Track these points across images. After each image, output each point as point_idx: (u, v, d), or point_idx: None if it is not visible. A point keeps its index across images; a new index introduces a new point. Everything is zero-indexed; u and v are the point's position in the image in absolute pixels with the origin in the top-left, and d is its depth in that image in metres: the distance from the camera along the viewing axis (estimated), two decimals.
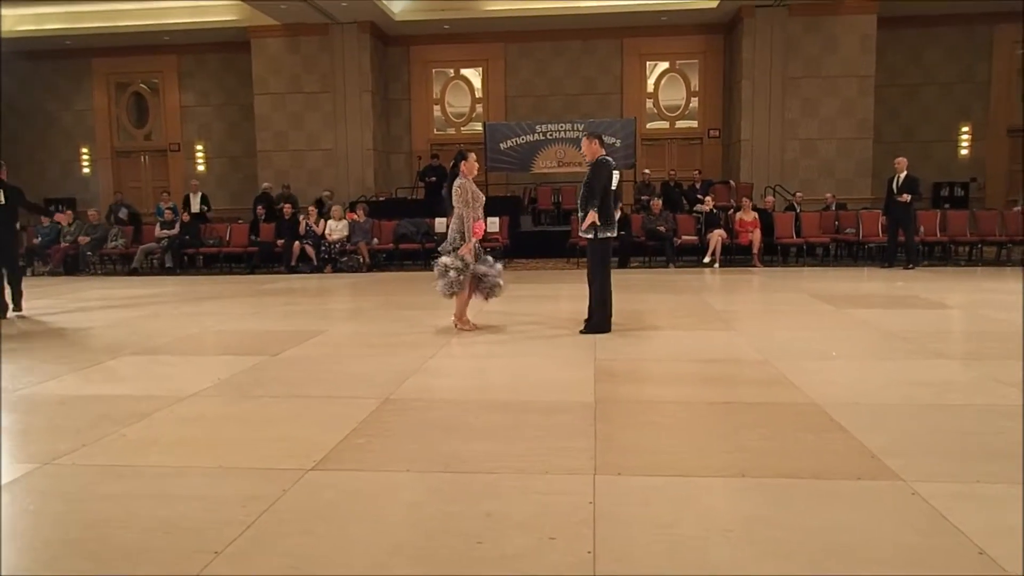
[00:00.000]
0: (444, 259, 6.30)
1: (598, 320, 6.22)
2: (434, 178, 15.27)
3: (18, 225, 8.31)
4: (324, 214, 13.60)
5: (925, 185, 14.28)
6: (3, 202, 7.82)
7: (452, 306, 6.56)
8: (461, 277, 6.25)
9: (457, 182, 6.26)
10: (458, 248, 6.27)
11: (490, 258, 6.66)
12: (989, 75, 16.68)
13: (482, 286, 6.47)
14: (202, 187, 15.87)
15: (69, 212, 8.82)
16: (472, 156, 6.40)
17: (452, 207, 6.33)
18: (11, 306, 8.03)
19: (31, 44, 17.32)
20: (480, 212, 6.35)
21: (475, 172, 6.44)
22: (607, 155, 6.21)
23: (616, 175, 6.24)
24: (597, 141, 6.20)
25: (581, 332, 6.17)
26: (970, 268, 12.05)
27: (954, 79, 16.78)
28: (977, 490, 2.80)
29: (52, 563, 2.35)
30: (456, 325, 6.47)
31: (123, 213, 15.13)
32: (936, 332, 6.35)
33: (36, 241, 14.04)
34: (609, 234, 6.19)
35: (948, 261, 12.93)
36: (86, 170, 18.88)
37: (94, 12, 16.58)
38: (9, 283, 7.98)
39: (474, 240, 6.31)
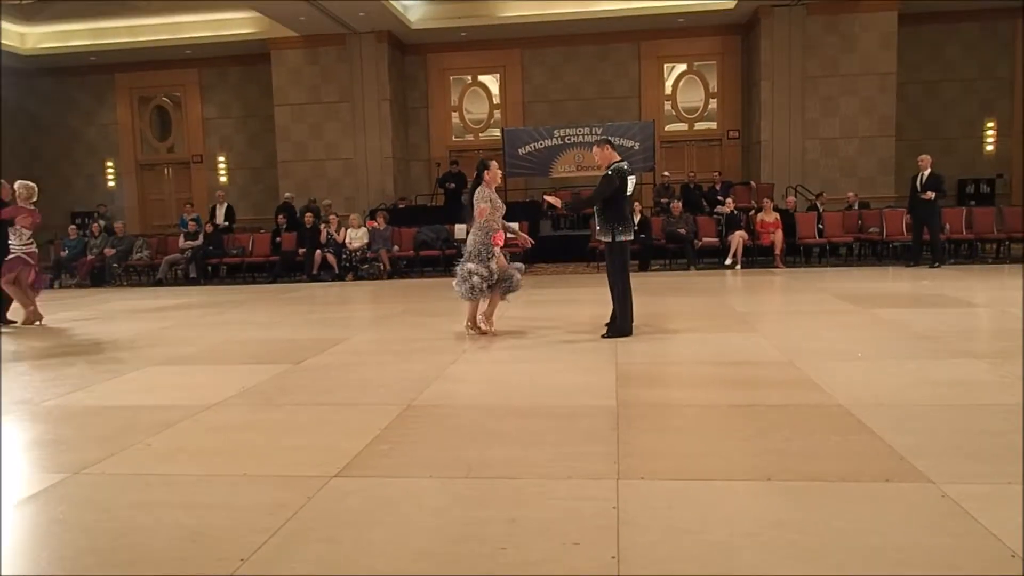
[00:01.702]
0: (470, 265, 6.28)
1: (620, 324, 6.21)
2: (453, 184, 15.32)
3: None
4: (323, 219, 13.75)
5: (950, 182, 14.10)
6: None
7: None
8: (484, 285, 6.24)
9: (477, 192, 6.27)
10: (483, 257, 6.25)
11: (519, 264, 6.68)
12: (1012, 71, 16.44)
13: (503, 285, 6.44)
14: (225, 198, 16.04)
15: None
16: (495, 164, 6.41)
17: (472, 215, 6.34)
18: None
19: (56, 61, 17.66)
20: (500, 221, 6.36)
21: (498, 180, 6.44)
22: (620, 159, 6.23)
23: (632, 180, 6.23)
24: (608, 147, 6.23)
25: (603, 336, 6.16)
26: (997, 266, 11.86)
27: (977, 75, 16.56)
28: (1008, 491, 2.75)
29: (82, 572, 2.38)
30: (468, 329, 6.48)
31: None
32: (962, 331, 6.25)
33: (63, 254, 14.27)
34: (625, 237, 6.20)
35: (975, 259, 12.76)
36: (111, 183, 19.18)
37: (117, 28, 16.88)
38: None
39: (497, 248, 6.31)
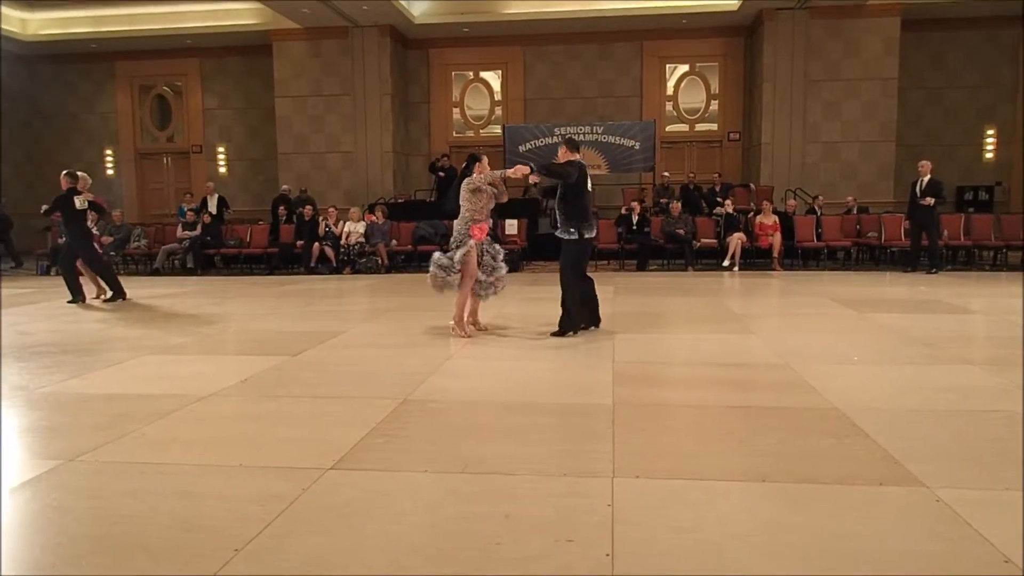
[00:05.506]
0: (435, 255, 6.25)
1: (562, 320, 6.21)
2: (443, 174, 15.49)
3: None
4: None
5: (949, 189, 14.12)
6: None
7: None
8: (448, 276, 6.08)
9: (465, 182, 6.22)
10: (460, 246, 6.14)
11: (502, 265, 6.52)
12: (1014, 78, 16.46)
13: (477, 288, 6.37)
14: (224, 189, 16.05)
15: None
16: (485, 159, 6.40)
17: (457, 205, 6.26)
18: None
19: (56, 48, 17.60)
20: (485, 212, 6.26)
21: (487, 174, 6.34)
22: (580, 158, 6.35)
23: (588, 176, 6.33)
24: (564, 147, 6.33)
25: (553, 333, 6.15)
26: (994, 273, 11.88)
27: (978, 82, 16.57)
28: (1002, 497, 2.75)
29: (75, 559, 2.38)
30: (452, 330, 6.28)
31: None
32: (959, 337, 6.27)
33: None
34: (588, 234, 6.25)
35: (972, 266, 12.78)
36: (110, 172, 19.13)
37: (118, 16, 16.84)
38: None
39: (472, 241, 6.15)
